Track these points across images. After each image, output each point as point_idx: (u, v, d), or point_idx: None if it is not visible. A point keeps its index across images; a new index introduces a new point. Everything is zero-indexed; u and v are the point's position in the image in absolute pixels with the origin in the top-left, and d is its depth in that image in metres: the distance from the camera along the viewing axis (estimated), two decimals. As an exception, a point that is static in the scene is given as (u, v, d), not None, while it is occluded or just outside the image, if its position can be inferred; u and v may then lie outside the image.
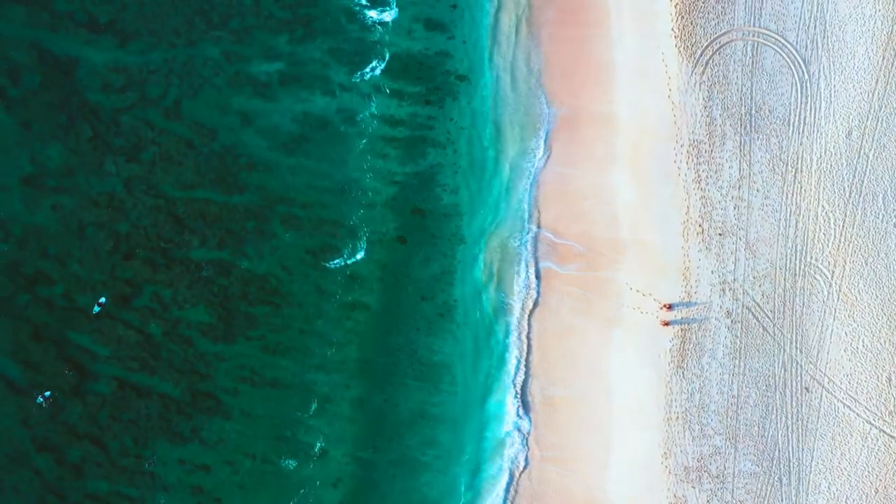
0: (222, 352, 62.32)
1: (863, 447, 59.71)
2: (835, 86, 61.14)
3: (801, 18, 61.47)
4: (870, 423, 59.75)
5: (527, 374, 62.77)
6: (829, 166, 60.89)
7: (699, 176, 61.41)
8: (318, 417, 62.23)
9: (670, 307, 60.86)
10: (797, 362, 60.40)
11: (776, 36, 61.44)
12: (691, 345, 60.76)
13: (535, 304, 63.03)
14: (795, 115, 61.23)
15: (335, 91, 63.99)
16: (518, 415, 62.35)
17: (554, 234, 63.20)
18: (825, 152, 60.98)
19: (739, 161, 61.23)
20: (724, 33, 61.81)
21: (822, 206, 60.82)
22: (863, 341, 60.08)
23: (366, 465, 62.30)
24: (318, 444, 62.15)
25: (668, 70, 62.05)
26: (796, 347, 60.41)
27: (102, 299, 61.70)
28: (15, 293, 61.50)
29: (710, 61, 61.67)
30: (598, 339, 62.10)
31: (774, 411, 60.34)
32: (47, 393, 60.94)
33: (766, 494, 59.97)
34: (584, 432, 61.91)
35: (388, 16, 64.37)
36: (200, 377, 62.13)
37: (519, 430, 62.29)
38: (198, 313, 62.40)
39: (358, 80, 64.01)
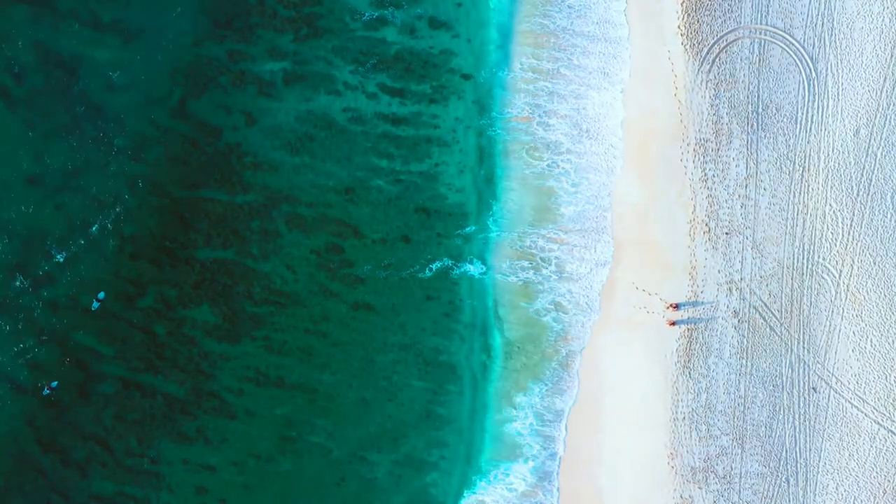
0: (227, 351, 62.24)
1: (871, 447, 59.43)
2: (842, 84, 60.76)
3: (808, 16, 61.09)
4: (878, 423, 59.45)
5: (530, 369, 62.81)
6: (836, 165, 60.54)
7: (706, 175, 61.12)
8: (324, 417, 62.17)
9: (677, 307, 60.62)
10: (805, 362, 60.11)
11: (783, 34, 61.08)
12: (698, 345, 60.52)
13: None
14: (803, 114, 60.88)
15: (340, 90, 63.80)
16: (525, 412, 62.24)
17: (556, 231, 63.03)
18: (833, 151, 60.62)
19: (746, 160, 60.91)
20: (731, 31, 61.46)
21: (830, 204, 60.48)
22: (871, 341, 59.77)
23: (370, 465, 62.19)
24: (323, 444, 62.10)
25: (674, 68, 61.74)
26: (804, 347, 60.13)
27: (101, 294, 61.62)
28: (19, 293, 61.47)
29: (717, 59, 61.34)
30: (604, 338, 61.87)
31: (782, 411, 60.08)
32: (54, 383, 60.96)
33: (773, 495, 59.73)
34: (590, 432, 61.73)
35: (393, 14, 64.12)
36: (205, 377, 62.07)
37: (526, 427, 62.14)
38: (202, 313, 62.33)
39: (362, 78, 63.80)
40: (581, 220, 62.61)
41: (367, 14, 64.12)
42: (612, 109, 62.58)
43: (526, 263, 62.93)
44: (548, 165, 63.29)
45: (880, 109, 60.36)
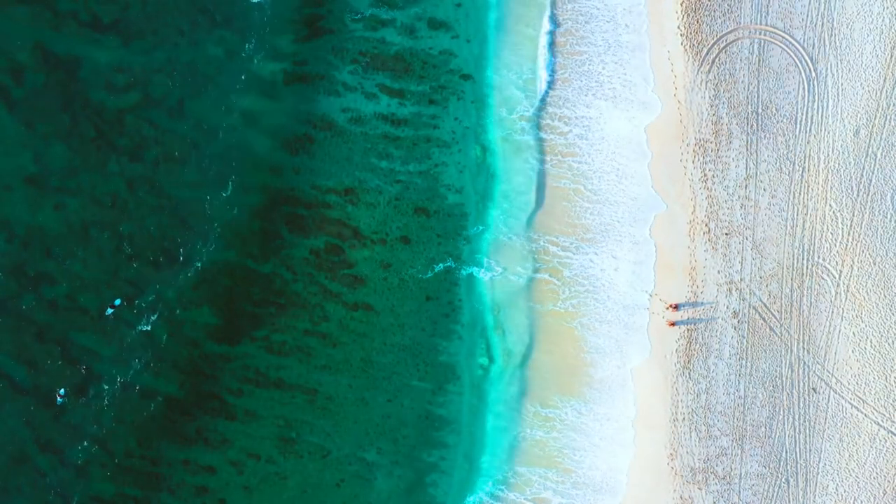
0: (227, 352, 62.19)
1: (871, 448, 59.40)
2: (842, 84, 60.74)
3: (808, 16, 61.07)
4: (878, 423, 59.42)
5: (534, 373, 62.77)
6: (836, 165, 60.53)
7: (705, 175, 61.10)
8: (324, 417, 62.13)
9: (676, 307, 60.61)
10: (804, 363, 60.09)
11: (783, 34, 61.06)
12: (698, 345, 60.50)
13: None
14: (802, 114, 60.87)
15: (339, 90, 63.77)
16: (527, 412, 62.29)
17: (559, 234, 63.02)
18: (833, 151, 60.60)
19: (746, 160, 60.90)
20: (731, 31, 61.44)
21: (830, 205, 60.46)
22: (871, 342, 59.74)
23: (370, 465, 62.16)
24: (322, 445, 62.07)
25: (673, 68, 61.73)
26: (803, 348, 60.10)
27: (117, 301, 61.55)
28: (18, 294, 61.38)
29: (717, 60, 61.32)
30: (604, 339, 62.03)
31: (781, 412, 60.06)
32: (62, 390, 60.89)
33: (773, 496, 59.70)
34: (591, 432, 61.78)
35: (392, 15, 64.09)
36: (205, 378, 62.00)
37: (552, 433, 62.20)
38: (202, 314, 62.28)
39: (362, 79, 63.76)
40: (603, 227, 62.35)
41: (366, 14, 64.10)
42: (634, 119, 62.37)
43: (538, 265, 62.77)
44: (553, 166, 63.16)
45: (880, 109, 60.35)
